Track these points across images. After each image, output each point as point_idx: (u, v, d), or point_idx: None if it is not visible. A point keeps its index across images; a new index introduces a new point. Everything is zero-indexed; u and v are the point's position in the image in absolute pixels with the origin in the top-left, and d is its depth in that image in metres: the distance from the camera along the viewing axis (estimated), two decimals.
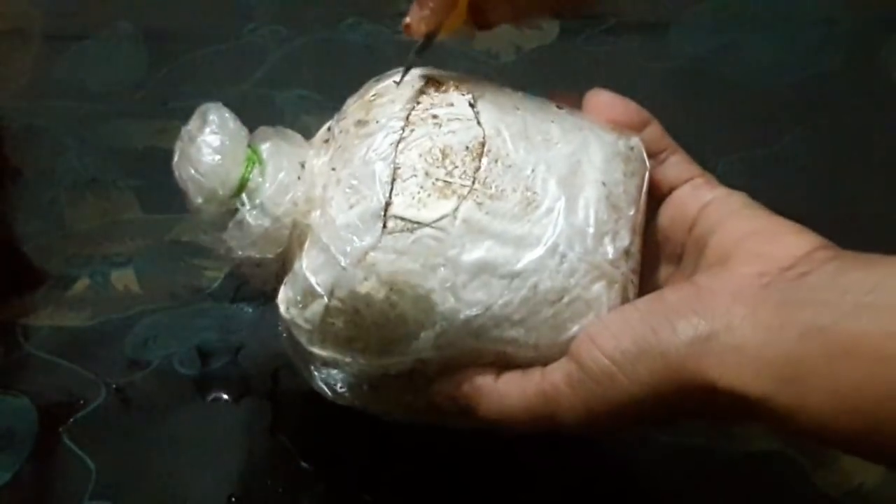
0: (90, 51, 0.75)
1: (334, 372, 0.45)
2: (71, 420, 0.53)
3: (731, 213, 0.43)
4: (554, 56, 0.72)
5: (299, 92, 0.70)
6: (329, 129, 0.47)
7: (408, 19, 0.44)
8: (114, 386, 0.54)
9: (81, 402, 0.53)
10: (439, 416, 0.46)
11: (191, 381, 0.55)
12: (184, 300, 0.59)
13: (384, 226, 0.42)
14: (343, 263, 0.42)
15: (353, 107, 0.46)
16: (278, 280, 0.46)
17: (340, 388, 0.45)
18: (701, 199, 0.44)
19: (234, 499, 0.50)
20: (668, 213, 0.46)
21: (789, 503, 0.51)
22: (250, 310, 0.58)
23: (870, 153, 0.67)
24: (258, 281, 0.46)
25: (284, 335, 0.46)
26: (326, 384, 0.46)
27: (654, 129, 0.46)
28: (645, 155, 0.45)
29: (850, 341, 0.36)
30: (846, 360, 0.36)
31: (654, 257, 0.46)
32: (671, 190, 0.46)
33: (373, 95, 0.46)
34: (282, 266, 0.45)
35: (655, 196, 0.46)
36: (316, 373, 0.46)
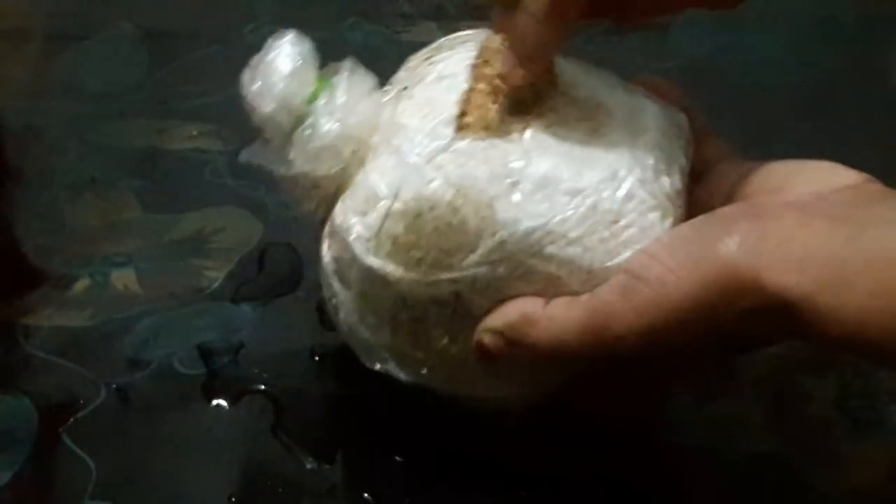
0: (90, 51, 0.75)
1: (379, 296, 0.44)
2: (71, 420, 0.53)
3: (775, 162, 0.44)
4: None
5: None
6: (389, 82, 0.48)
7: (506, 72, 0.45)
8: (114, 386, 0.54)
9: (81, 402, 0.53)
10: (468, 373, 0.45)
11: (191, 381, 0.54)
12: (184, 300, 0.58)
13: (456, 131, 0.43)
14: (413, 161, 0.43)
15: (420, 53, 0.48)
16: (328, 210, 0.46)
17: (379, 319, 0.45)
18: (738, 169, 0.45)
19: (234, 499, 0.50)
20: (707, 187, 0.46)
21: (789, 503, 0.51)
22: (250, 310, 0.58)
23: (870, 153, 0.67)
24: (309, 205, 0.47)
25: (332, 255, 0.46)
26: (363, 317, 0.46)
27: (694, 113, 0.48)
28: (689, 127, 0.47)
29: (894, 247, 0.37)
30: (890, 266, 0.37)
31: None
32: (707, 169, 0.47)
33: (442, 41, 0.48)
34: (335, 192, 0.46)
35: (693, 175, 0.47)
36: (357, 301, 0.45)
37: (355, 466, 0.51)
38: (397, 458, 0.51)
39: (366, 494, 0.50)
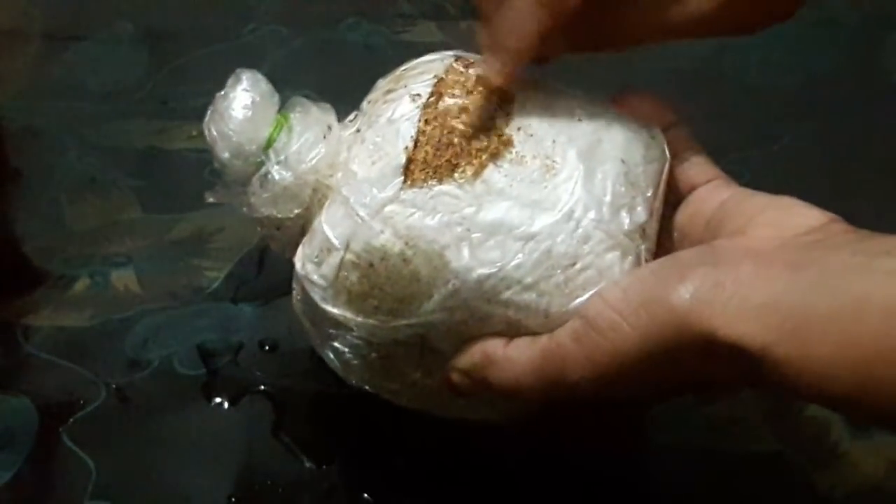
0: (90, 51, 0.75)
1: (345, 338, 0.45)
2: (71, 420, 0.53)
3: (747, 196, 0.43)
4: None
5: (299, 92, 0.70)
6: (358, 109, 0.47)
7: (483, 71, 0.44)
8: (114, 386, 0.54)
9: (81, 402, 0.53)
10: (448, 401, 0.45)
11: (191, 381, 0.55)
12: (184, 300, 0.59)
13: (404, 181, 0.43)
14: (361, 214, 0.43)
15: (384, 82, 0.47)
16: (295, 250, 0.46)
17: (350, 356, 0.45)
18: (719, 196, 0.44)
19: (233, 499, 0.50)
20: (687, 211, 0.46)
21: (789, 503, 0.51)
22: (250, 310, 0.58)
23: (870, 153, 0.67)
24: (278, 245, 0.47)
25: (298, 298, 0.46)
26: (336, 353, 0.46)
27: (680, 129, 0.47)
28: (665, 146, 0.46)
29: (860, 296, 0.36)
30: (853, 315, 0.35)
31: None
32: (691, 190, 0.46)
33: (404, 69, 0.47)
34: (301, 231, 0.46)
35: (676, 195, 0.46)
36: (327, 340, 0.45)
37: (355, 466, 0.51)
38: (397, 458, 0.51)
39: (366, 494, 0.50)
